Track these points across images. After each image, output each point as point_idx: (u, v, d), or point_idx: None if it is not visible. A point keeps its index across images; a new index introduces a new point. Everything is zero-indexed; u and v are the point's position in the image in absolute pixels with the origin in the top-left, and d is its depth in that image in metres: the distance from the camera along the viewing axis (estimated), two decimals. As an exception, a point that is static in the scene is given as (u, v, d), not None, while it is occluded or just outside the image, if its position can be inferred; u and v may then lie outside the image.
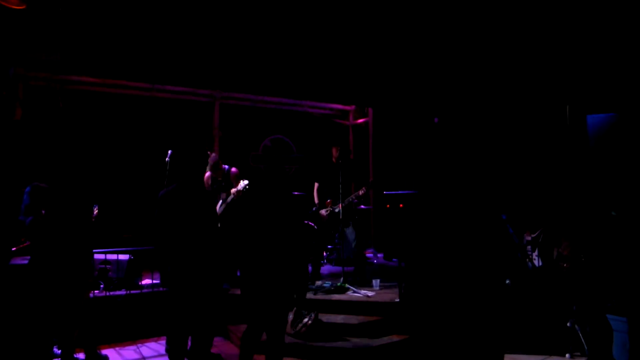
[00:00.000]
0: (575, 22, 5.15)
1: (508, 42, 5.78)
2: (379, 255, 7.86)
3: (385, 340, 4.45)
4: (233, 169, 5.78)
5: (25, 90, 6.16)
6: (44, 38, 5.31)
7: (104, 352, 4.29)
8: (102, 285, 5.02)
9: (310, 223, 6.16)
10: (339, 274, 5.64)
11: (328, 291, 5.16)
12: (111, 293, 4.97)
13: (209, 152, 5.77)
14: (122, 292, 5.04)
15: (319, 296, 5.03)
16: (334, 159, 5.74)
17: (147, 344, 4.79)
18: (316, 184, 5.96)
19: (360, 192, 5.55)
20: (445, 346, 2.15)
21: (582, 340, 4.18)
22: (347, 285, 5.25)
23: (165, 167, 5.75)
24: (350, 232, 5.65)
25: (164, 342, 4.58)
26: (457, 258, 2.31)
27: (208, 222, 3.54)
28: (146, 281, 5.44)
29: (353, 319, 4.66)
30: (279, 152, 3.30)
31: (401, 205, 7.35)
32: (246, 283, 3.34)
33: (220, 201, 5.55)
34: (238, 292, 4.88)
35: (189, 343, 3.69)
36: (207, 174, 5.68)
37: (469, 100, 7.05)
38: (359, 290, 5.13)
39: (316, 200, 5.92)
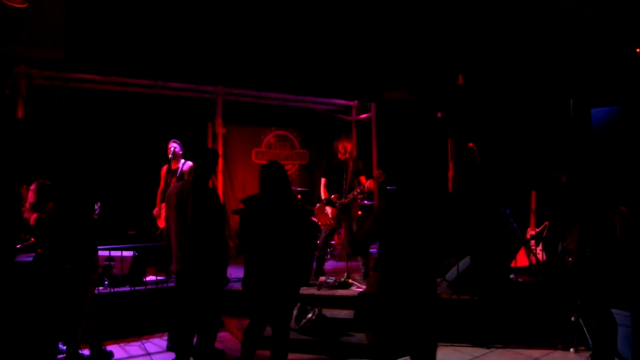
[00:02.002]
0: (580, 18, 5.12)
1: (512, 38, 5.75)
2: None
3: (389, 335, 4.44)
4: (188, 163, 5.63)
5: (28, 88, 6.17)
6: (47, 36, 5.31)
7: (109, 348, 4.31)
8: (106, 282, 5.04)
9: (314, 219, 6.15)
10: (342, 269, 5.64)
11: (332, 287, 5.16)
12: (116, 289, 4.99)
13: (172, 142, 5.68)
14: (127, 288, 5.05)
15: (323, 292, 5.04)
16: (340, 155, 5.73)
17: (151, 340, 4.81)
18: (323, 179, 5.93)
19: (357, 190, 5.53)
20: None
21: (587, 334, 4.16)
22: (350, 281, 5.25)
23: (168, 163, 5.76)
24: (354, 227, 5.64)
25: (167, 337, 4.59)
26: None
27: (214, 219, 3.54)
28: (150, 277, 5.46)
29: (357, 314, 4.67)
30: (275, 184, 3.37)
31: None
32: (250, 279, 3.34)
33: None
34: (236, 287, 4.88)
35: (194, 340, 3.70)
36: (165, 166, 5.66)
37: (474, 95, 7.02)
38: (362, 286, 5.13)
39: (323, 196, 5.90)
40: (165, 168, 5.72)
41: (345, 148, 5.69)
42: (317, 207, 5.86)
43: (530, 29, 5.48)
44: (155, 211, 5.75)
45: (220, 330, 4.88)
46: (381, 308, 2.62)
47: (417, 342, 2.64)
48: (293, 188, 7.17)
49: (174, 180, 5.49)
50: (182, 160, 5.65)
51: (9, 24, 5.00)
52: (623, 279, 3.83)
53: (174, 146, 5.62)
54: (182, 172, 5.57)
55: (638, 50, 5.32)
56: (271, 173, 3.37)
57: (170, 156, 5.60)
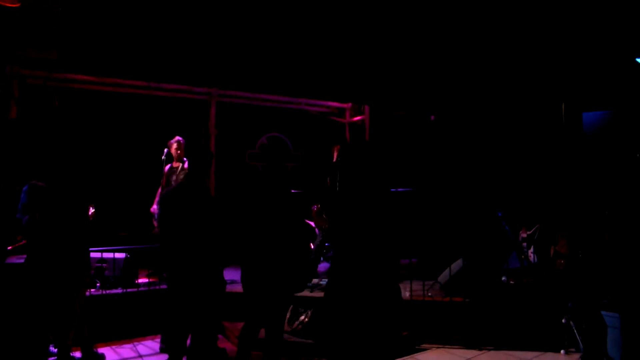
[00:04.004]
0: (571, 23, 5.17)
1: (505, 42, 5.79)
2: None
3: (381, 337, 4.45)
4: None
5: (20, 88, 6.13)
6: (40, 36, 5.28)
7: (101, 350, 4.29)
8: (98, 284, 5.01)
9: (310, 222, 6.16)
10: (335, 271, 5.63)
11: (325, 289, 5.16)
12: (108, 292, 4.96)
13: (179, 140, 5.80)
14: (119, 290, 5.03)
15: (316, 293, 5.03)
16: (334, 159, 5.74)
17: (143, 342, 4.79)
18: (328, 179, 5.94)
19: None
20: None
21: (577, 336, 4.19)
22: (343, 283, 5.25)
23: (161, 165, 5.75)
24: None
25: (160, 340, 4.57)
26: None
27: (210, 222, 3.53)
28: (142, 279, 5.44)
29: (349, 317, 4.67)
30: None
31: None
32: (245, 281, 3.35)
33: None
34: (235, 289, 4.89)
35: (188, 341, 3.70)
36: (169, 165, 5.79)
37: (466, 98, 7.06)
38: (355, 288, 5.13)
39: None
40: (168, 166, 5.79)
41: (339, 152, 5.70)
42: (314, 210, 5.87)
43: (522, 32, 5.52)
44: (153, 208, 5.77)
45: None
46: (327, 314, 2.45)
47: (364, 350, 2.42)
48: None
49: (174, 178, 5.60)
50: (184, 159, 5.73)
51: (1, 24, 4.97)
52: (613, 281, 3.86)
53: (180, 146, 5.72)
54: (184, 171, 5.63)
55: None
56: (271, 173, 3.38)
57: (177, 155, 5.66)
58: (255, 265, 3.29)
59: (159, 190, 5.79)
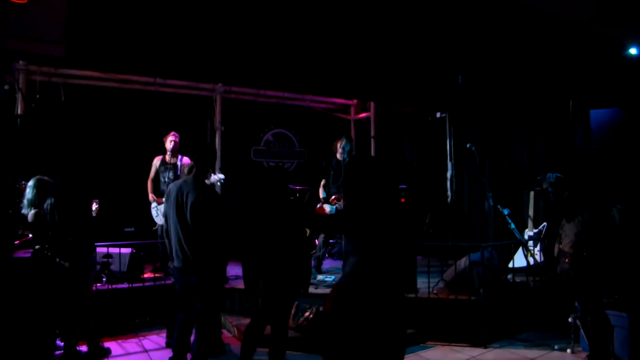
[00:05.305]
0: (579, 20, 5.13)
1: (512, 39, 5.76)
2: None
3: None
4: (186, 159, 5.75)
5: (27, 84, 6.15)
6: (46, 32, 5.30)
7: (107, 344, 4.32)
8: (104, 279, 5.04)
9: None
10: (340, 268, 5.63)
11: (329, 285, 5.16)
12: (113, 286, 4.99)
13: (174, 135, 5.82)
14: (125, 285, 5.06)
15: (321, 290, 5.04)
16: (338, 155, 5.72)
17: (149, 336, 4.81)
18: (323, 180, 5.92)
19: None
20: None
21: (584, 335, 4.17)
22: (348, 280, 5.24)
23: (164, 155, 5.78)
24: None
25: (165, 335, 4.59)
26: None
27: (214, 216, 3.53)
28: (148, 275, 5.46)
29: (354, 313, 4.66)
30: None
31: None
32: (249, 279, 3.35)
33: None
34: (239, 285, 4.90)
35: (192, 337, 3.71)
36: (159, 157, 5.81)
37: (473, 95, 7.02)
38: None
39: (320, 196, 5.89)
40: (159, 158, 5.77)
41: (344, 148, 5.69)
42: (316, 207, 5.86)
43: (530, 30, 5.48)
44: (151, 197, 5.79)
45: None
46: (334, 329, 2.24)
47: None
48: (291, 187, 7.19)
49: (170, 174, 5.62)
50: (179, 155, 5.71)
51: (8, 19, 4.98)
52: (621, 280, 3.83)
53: (176, 140, 5.71)
54: (181, 168, 5.61)
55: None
56: (273, 177, 3.40)
57: (171, 149, 5.65)
58: (258, 263, 3.30)
59: (150, 181, 5.86)
